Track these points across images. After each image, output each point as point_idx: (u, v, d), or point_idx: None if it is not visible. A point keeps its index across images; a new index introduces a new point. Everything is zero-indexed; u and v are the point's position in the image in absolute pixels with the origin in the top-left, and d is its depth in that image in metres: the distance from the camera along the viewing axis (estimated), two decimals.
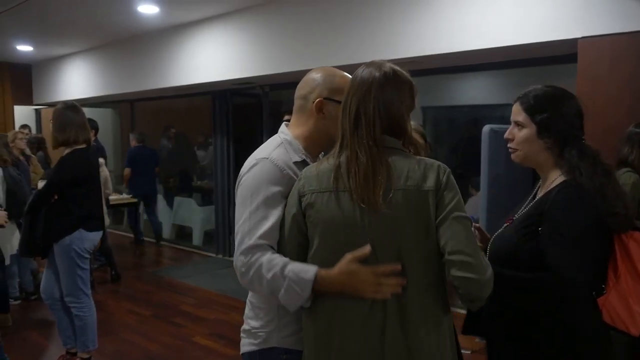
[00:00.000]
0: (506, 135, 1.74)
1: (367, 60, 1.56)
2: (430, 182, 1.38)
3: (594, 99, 3.44)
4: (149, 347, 4.18)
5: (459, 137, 7.10)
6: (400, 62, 4.25)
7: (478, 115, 7.08)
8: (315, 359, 1.47)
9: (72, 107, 3.55)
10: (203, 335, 4.38)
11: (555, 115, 1.64)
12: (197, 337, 4.34)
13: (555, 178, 1.65)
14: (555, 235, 1.54)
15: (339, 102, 1.59)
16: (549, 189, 1.65)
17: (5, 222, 3.73)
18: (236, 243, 1.56)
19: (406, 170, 1.40)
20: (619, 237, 1.58)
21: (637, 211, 3.03)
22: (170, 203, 8.38)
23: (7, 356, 3.51)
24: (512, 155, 1.74)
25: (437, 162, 1.43)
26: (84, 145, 3.52)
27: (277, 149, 1.64)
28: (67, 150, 3.48)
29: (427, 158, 1.46)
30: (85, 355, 3.65)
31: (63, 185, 3.41)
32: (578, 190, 1.57)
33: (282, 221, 1.52)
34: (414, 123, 2.04)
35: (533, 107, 1.65)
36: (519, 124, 1.68)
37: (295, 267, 1.45)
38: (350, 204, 1.40)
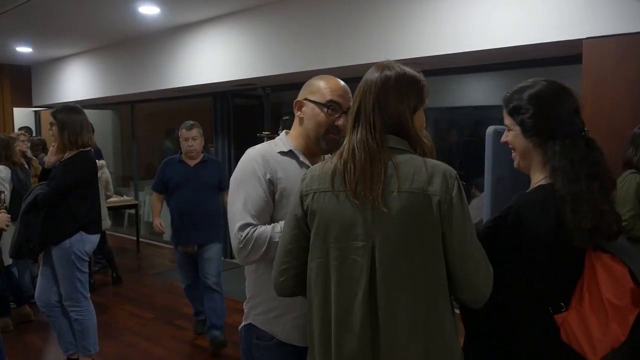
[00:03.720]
0: (502, 139, 1.66)
1: (369, 61, 1.57)
2: (435, 187, 1.34)
3: (599, 99, 3.43)
4: (151, 350, 4.15)
5: (462, 139, 7.09)
6: (403, 63, 4.25)
7: (481, 116, 7.06)
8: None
9: (79, 110, 3.53)
10: (206, 337, 4.34)
11: (537, 111, 1.53)
12: (200, 340, 4.31)
13: (537, 181, 1.56)
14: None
15: (314, 102, 1.78)
16: (526, 192, 1.57)
17: (7, 225, 3.69)
18: (230, 225, 1.77)
19: (412, 172, 1.36)
20: (589, 255, 1.47)
21: None
22: None
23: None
24: (514, 163, 1.65)
25: (444, 166, 1.39)
26: (88, 148, 3.50)
27: (266, 144, 1.88)
28: (70, 153, 3.45)
29: (434, 160, 1.41)
30: (88, 359, 3.63)
31: (69, 188, 3.37)
32: (542, 200, 1.47)
33: (287, 220, 1.57)
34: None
35: (514, 108, 1.58)
36: (508, 128, 1.62)
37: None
38: (349, 203, 1.39)
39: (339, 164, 1.43)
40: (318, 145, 1.81)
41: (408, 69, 1.47)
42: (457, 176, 1.38)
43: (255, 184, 1.74)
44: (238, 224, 1.72)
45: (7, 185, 4.26)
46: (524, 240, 1.44)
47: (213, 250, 4.12)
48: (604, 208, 1.44)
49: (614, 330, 1.44)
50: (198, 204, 4.07)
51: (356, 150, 1.40)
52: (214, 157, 5.04)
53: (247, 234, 1.70)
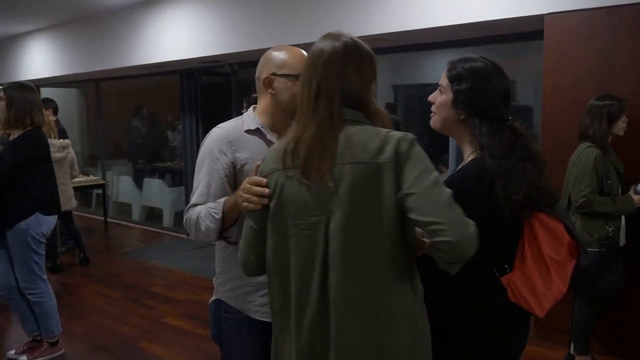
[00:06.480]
0: (429, 97, 1.71)
1: None
2: (386, 154, 1.31)
3: (561, 75, 3.48)
4: (119, 329, 4.13)
5: (430, 116, 7.15)
6: (371, 38, 4.26)
7: None
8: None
9: (29, 87, 3.40)
10: (174, 316, 4.35)
11: (474, 89, 1.58)
12: (168, 318, 4.31)
13: (469, 154, 1.61)
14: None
15: (285, 75, 1.75)
16: (462, 165, 1.63)
17: None
18: None
19: (364, 142, 1.34)
20: (527, 219, 1.54)
21: (600, 187, 3.07)
22: (139, 184, 8.26)
23: None
24: (431, 120, 1.72)
25: (400, 133, 1.36)
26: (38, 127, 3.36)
27: (233, 122, 1.85)
28: (18, 132, 3.30)
29: (391, 130, 1.38)
30: (52, 340, 3.59)
31: (20, 167, 3.24)
32: (477, 171, 1.52)
33: None
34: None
35: (455, 75, 1.62)
36: (440, 89, 1.66)
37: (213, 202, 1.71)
38: (298, 182, 1.38)
39: (290, 141, 1.41)
40: None
41: (359, 41, 1.45)
42: (415, 140, 1.34)
43: (214, 165, 1.75)
44: (188, 206, 1.78)
45: None
46: (466, 210, 1.44)
47: None
48: (541, 184, 1.53)
49: (556, 284, 1.53)
50: None
51: (311, 128, 1.37)
52: None
53: (187, 214, 1.76)
